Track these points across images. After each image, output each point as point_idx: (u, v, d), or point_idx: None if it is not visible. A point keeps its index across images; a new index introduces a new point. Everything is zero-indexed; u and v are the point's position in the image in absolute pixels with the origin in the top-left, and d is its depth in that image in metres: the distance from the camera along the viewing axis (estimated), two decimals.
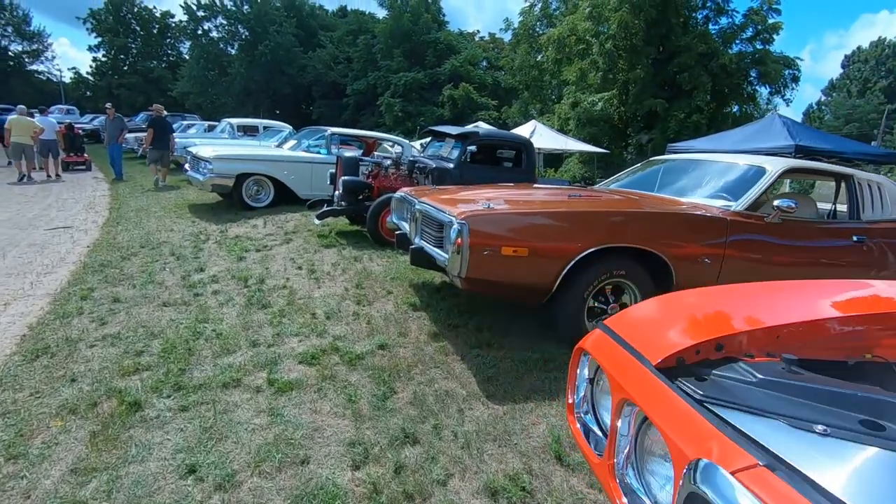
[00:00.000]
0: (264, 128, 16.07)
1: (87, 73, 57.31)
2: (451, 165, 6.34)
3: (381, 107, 33.82)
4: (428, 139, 8.16)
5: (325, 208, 6.21)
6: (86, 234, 6.90)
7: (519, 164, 6.79)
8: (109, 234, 6.79)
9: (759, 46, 19.45)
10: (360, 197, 6.32)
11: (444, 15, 39.80)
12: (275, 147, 9.70)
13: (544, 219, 2.99)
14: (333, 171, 6.85)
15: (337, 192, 6.31)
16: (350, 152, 6.43)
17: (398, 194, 4.44)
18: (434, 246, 3.31)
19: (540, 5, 28.79)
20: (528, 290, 3.01)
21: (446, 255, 2.96)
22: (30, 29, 51.50)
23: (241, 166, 8.17)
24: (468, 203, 3.24)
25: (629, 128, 20.91)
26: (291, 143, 9.66)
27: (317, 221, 6.23)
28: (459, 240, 2.77)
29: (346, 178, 5.98)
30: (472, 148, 6.14)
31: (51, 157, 12.44)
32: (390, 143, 12.12)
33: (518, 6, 35.74)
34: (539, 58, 31.04)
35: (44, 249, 6.06)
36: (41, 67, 54.16)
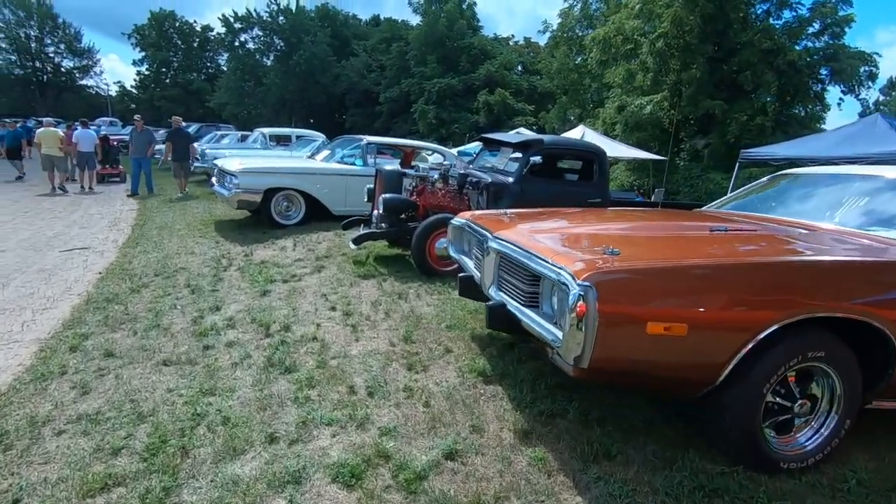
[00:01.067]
0: (297, 137, 15.50)
1: (131, 86, 59.39)
2: (511, 180, 5.34)
3: (415, 114, 33.15)
4: (477, 148, 7.17)
5: (361, 231, 5.30)
6: (101, 257, 6.22)
7: (589, 177, 5.73)
8: (125, 258, 6.07)
9: (826, 41, 17.72)
10: (403, 217, 5.38)
11: (478, 20, 39.01)
12: (306, 158, 8.92)
13: (712, 274, 1.92)
14: (371, 186, 5.95)
15: (376, 212, 5.40)
16: (389, 164, 5.51)
17: (458, 221, 3.47)
18: (524, 305, 2.31)
19: (580, 6, 27.58)
20: (677, 382, 1.97)
21: (556, 331, 1.94)
22: (80, 46, 53.74)
23: (270, 180, 7.39)
24: (576, 246, 2.23)
25: (681, 132, 19.42)
26: (324, 153, 8.86)
27: (353, 246, 5.32)
28: (582, 306, 1.76)
29: (386, 195, 5.07)
30: (536, 159, 5.13)
31: (87, 169, 12.13)
32: (429, 153, 11.22)
33: (553, 10, 34.82)
34: (578, 60, 29.83)
35: (52, 276, 5.36)
36: (90, 82, 56.48)
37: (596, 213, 3.49)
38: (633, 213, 3.64)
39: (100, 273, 5.52)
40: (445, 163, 5.70)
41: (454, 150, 15.74)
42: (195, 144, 12.01)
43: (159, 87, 57.00)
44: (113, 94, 59.44)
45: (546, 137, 5.44)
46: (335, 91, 43.40)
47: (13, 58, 49.49)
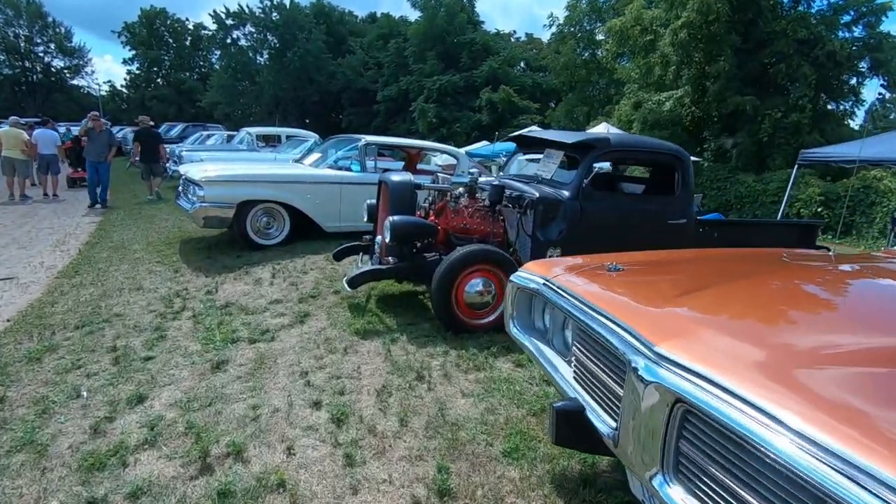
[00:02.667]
0: (287, 137, 14.01)
1: (122, 85, 57.90)
2: (567, 194, 3.86)
3: (414, 113, 31.65)
4: (486, 148, 5.68)
5: (360, 266, 3.82)
6: (24, 292, 4.73)
7: (669, 189, 4.26)
8: (52, 296, 4.58)
9: (859, 31, 16.33)
10: (418, 246, 3.90)
11: (478, 15, 37.53)
12: (293, 163, 7.42)
13: None
14: (373, 201, 4.48)
15: (379, 238, 3.91)
16: (396, 173, 3.99)
17: (529, 280, 2.00)
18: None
19: None
20: None
21: None
22: (71, 45, 52.36)
23: (244, 191, 5.89)
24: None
25: (704, 131, 18.00)
26: (314, 156, 7.36)
27: (348, 290, 3.82)
28: None
29: (395, 218, 3.57)
30: (602, 165, 3.65)
31: (50, 173, 10.62)
32: (437, 154, 9.77)
33: (550, 7, 33.36)
34: (586, 55, 28.41)
35: None
36: (82, 82, 55.08)
37: (800, 273, 1.99)
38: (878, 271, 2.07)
39: (8, 321, 4.02)
40: (473, 171, 4.21)
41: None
42: (168, 146, 11.09)
43: (150, 86, 55.61)
44: (104, 93, 58.01)
45: (611, 135, 3.98)
46: (331, 90, 41.89)
47: (2, 57, 48.02)
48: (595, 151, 3.91)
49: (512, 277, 2.19)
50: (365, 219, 4.52)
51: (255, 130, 14.00)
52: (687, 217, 4.14)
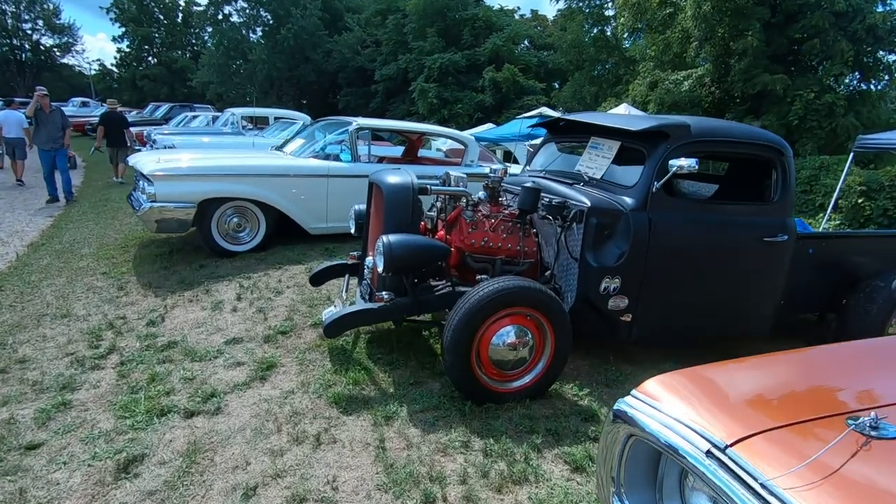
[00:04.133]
0: (276, 119, 12.80)
1: (112, 64, 56.21)
2: (631, 202, 2.78)
3: (414, 93, 30.18)
4: (494, 131, 4.56)
5: (343, 308, 2.74)
6: None
7: (764, 193, 3.16)
8: None
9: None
10: (423, 274, 2.82)
11: None
12: (272, 151, 6.28)
13: None
14: (361, 207, 3.38)
15: (370, 259, 2.81)
16: (395, 175, 2.83)
17: (690, 441, 0.94)
18: None
19: None
20: None
21: None
22: (60, 22, 50.59)
23: (207, 187, 4.77)
24: None
25: (726, 113, 16.75)
26: (297, 143, 6.22)
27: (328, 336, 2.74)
28: None
29: (392, 240, 2.48)
30: (682, 163, 2.56)
31: (16, 157, 9.51)
32: (441, 140, 8.64)
33: None
34: (595, 32, 26.94)
35: None
36: (72, 61, 53.49)
37: None
38: None
39: None
40: (496, 167, 3.09)
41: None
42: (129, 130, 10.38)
43: (142, 65, 53.96)
44: (92, 72, 56.40)
45: (692, 121, 2.86)
46: (327, 69, 40.25)
47: None
48: (670, 143, 2.80)
49: (626, 412, 1.14)
50: (352, 230, 3.42)
51: (240, 111, 12.79)
52: (788, 233, 3.05)
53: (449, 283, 2.82)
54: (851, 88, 15.53)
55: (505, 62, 28.86)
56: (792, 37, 14.71)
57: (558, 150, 4.00)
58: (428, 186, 2.88)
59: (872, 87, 15.89)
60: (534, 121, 11.33)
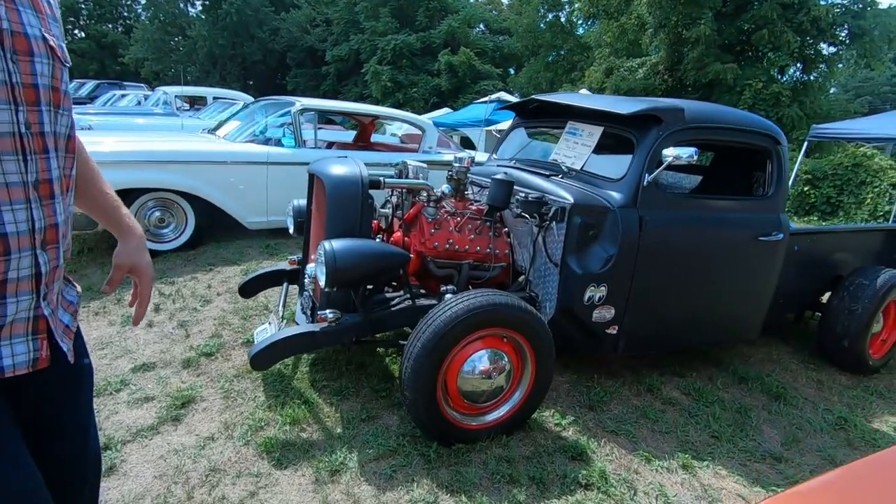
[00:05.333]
0: (215, 98, 11.76)
1: None
2: (619, 197, 2.39)
3: (367, 76, 29.11)
4: (452, 116, 4.13)
5: (273, 333, 2.23)
6: None
7: (758, 186, 2.86)
8: None
9: None
10: (376, 287, 2.33)
11: None
12: (203, 134, 5.53)
13: None
14: (300, 203, 2.84)
15: (311, 267, 2.28)
16: (340, 165, 2.31)
17: None
18: None
19: None
20: None
21: None
22: None
23: (120, 177, 4.04)
24: None
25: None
26: (232, 125, 5.50)
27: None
28: None
29: (336, 247, 1.97)
30: (677, 152, 2.19)
31: None
32: (396, 124, 8.13)
33: None
34: (550, 18, 26.80)
35: None
36: None
37: None
38: None
39: None
40: (461, 155, 2.62)
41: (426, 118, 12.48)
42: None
43: (67, 38, 49.54)
44: None
45: (685, 104, 2.49)
46: (274, 48, 38.25)
47: None
48: (663, 129, 2.41)
49: None
50: (291, 229, 2.86)
51: (173, 90, 11.64)
52: (783, 230, 2.76)
53: (406, 296, 2.34)
54: (794, 80, 16.03)
55: (461, 46, 28.25)
56: (742, 27, 14.96)
57: (528, 137, 3.58)
58: (381, 179, 2.37)
59: (812, 78, 16.48)
60: (499, 104, 10.87)
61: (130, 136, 4.92)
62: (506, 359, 2.11)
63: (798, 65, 15.90)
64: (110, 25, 49.23)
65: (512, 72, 34.08)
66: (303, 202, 2.83)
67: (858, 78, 55.76)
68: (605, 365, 2.97)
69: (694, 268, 2.61)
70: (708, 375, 3.05)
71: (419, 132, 6.09)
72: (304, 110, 5.09)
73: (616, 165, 2.56)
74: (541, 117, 3.30)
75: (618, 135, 2.62)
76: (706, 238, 2.59)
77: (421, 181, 2.52)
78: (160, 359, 2.77)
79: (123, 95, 15.24)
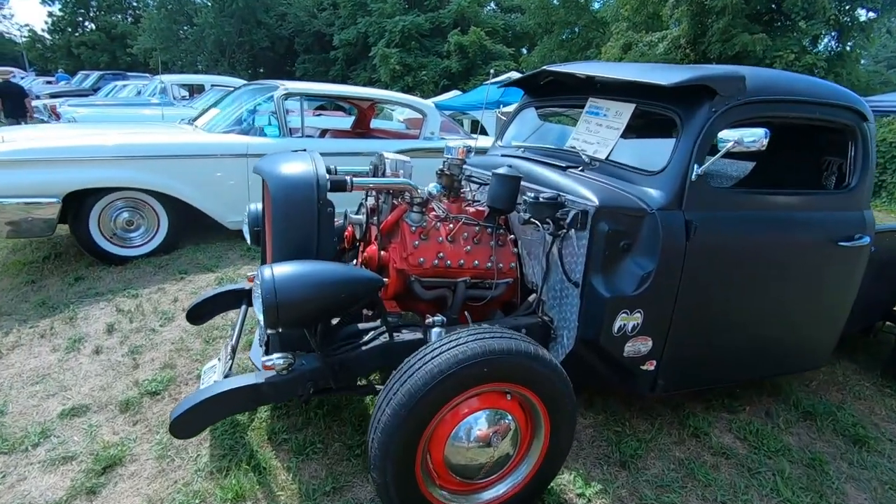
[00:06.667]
0: (213, 86, 11.28)
1: (43, 30, 51.67)
2: (660, 196, 1.82)
3: (375, 59, 28.35)
4: (457, 99, 3.59)
5: (199, 391, 1.72)
6: None
7: (829, 174, 2.25)
8: None
9: None
10: (346, 320, 1.80)
11: None
12: (180, 125, 5.02)
13: None
14: (257, 207, 2.31)
15: (254, 287, 1.75)
16: (291, 161, 1.78)
17: None
18: None
19: None
20: None
21: None
22: None
23: (75, 175, 3.57)
24: None
25: None
26: (211, 114, 4.99)
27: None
28: None
29: (280, 272, 1.46)
30: (738, 136, 1.62)
31: None
32: (397, 109, 7.58)
33: None
34: None
35: None
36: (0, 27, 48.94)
37: None
38: None
39: None
40: (455, 145, 2.06)
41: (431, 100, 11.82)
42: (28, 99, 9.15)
43: (77, 31, 49.80)
44: (20, 40, 52.01)
45: (746, 71, 1.90)
46: (282, 34, 37.66)
47: None
48: (717, 104, 1.82)
49: None
50: (248, 240, 2.35)
51: (170, 78, 11.20)
52: (869, 232, 2.15)
53: (383, 329, 1.81)
54: (829, 50, 14.92)
55: (471, 25, 27.30)
56: None
57: (540, 118, 2.99)
58: (347, 179, 1.83)
59: (848, 47, 15.32)
60: (506, 81, 9.94)
61: (86, 130, 4.44)
62: (510, 419, 1.58)
63: (833, 33, 14.79)
64: (119, 16, 49.13)
65: (525, 51, 33.00)
66: (259, 206, 2.31)
67: (891, 48, 52.88)
68: (637, 399, 2.41)
69: (755, 284, 2.03)
70: (764, 408, 2.48)
71: (420, 116, 5.51)
72: (288, 95, 4.54)
73: (654, 153, 1.98)
74: (555, 94, 2.70)
75: (655, 113, 2.03)
76: (771, 246, 2.00)
77: (401, 180, 1.97)
78: (97, 399, 2.29)
79: (125, 86, 14.88)
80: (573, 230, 1.86)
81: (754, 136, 1.66)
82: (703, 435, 2.22)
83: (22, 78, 27.08)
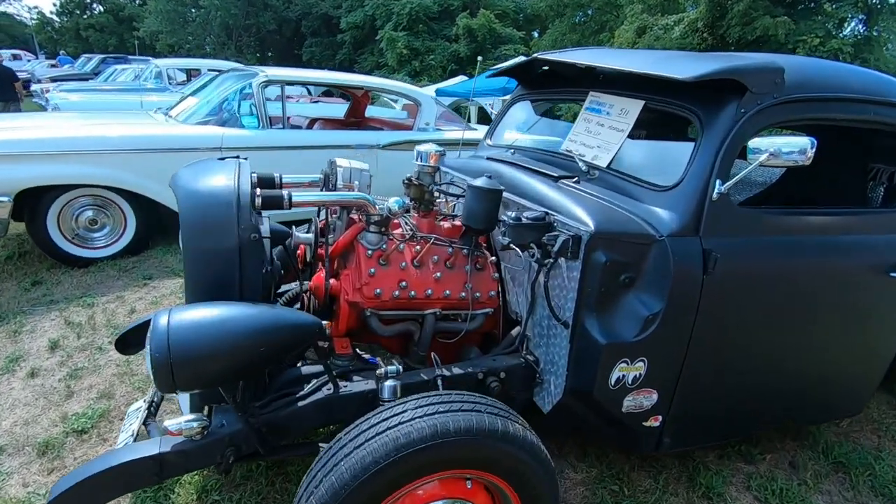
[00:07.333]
0: (209, 71, 10.92)
1: (51, 13, 51.64)
2: (672, 219, 1.45)
3: (382, 43, 27.75)
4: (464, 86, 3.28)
5: (81, 469, 1.42)
6: None
7: (881, 186, 1.86)
8: None
9: None
10: (284, 370, 1.47)
11: None
12: (153, 115, 4.68)
13: None
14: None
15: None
16: (208, 173, 1.42)
17: None
18: None
19: None
20: None
21: None
22: None
23: (25, 171, 3.26)
24: None
25: None
26: (190, 102, 4.65)
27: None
28: None
29: (176, 319, 1.13)
30: (775, 145, 1.25)
31: None
32: (393, 98, 7.23)
33: None
34: None
35: None
36: (10, 9, 49.00)
37: None
38: None
39: None
40: (426, 150, 1.70)
41: (431, 89, 11.34)
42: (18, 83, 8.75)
43: (86, 13, 49.71)
44: (29, 23, 52.09)
45: (784, 60, 1.53)
46: (289, 17, 37.09)
47: None
48: (748, 103, 1.44)
49: None
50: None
51: (165, 62, 10.88)
52: None
53: (326, 378, 1.48)
54: (856, 34, 14.17)
55: (480, 8, 26.57)
56: None
57: (536, 114, 2.61)
58: (283, 195, 1.48)
59: (876, 32, 14.54)
60: (494, 70, 8.89)
61: (42, 120, 4.12)
62: None
63: (861, 16, 14.02)
64: None
65: (536, 35, 32.17)
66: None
67: None
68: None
69: (786, 325, 1.66)
70: (788, 457, 2.13)
71: (418, 106, 5.12)
72: (268, 83, 4.18)
73: (666, 163, 1.61)
74: (553, 86, 2.32)
75: (669, 113, 1.65)
76: (808, 279, 1.63)
77: (354, 194, 1.63)
78: (15, 438, 2.00)
79: (124, 70, 14.58)
80: (563, 259, 1.51)
81: (796, 147, 1.29)
82: (717, 495, 1.88)
83: (28, 62, 26.92)
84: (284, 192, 1.50)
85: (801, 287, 1.63)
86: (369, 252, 1.63)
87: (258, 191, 1.47)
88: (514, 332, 1.80)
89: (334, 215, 1.79)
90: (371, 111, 6.79)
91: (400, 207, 1.66)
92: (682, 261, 1.45)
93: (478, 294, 1.77)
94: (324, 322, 1.53)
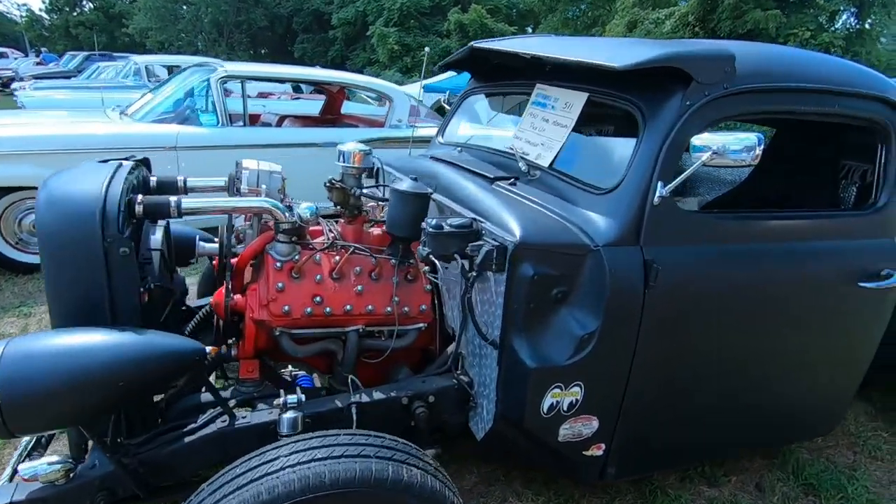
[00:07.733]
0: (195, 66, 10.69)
1: (40, 9, 51.12)
2: (609, 226, 1.28)
3: (373, 39, 27.51)
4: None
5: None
6: None
7: (852, 185, 1.70)
8: None
9: None
10: (179, 398, 1.31)
11: None
12: (108, 113, 4.48)
13: None
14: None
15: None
16: (74, 180, 1.22)
17: None
18: None
19: None
20: None
21: None
22: None
23: None
24: None
25: None
26: (146, 100, 4.45)
27: None
28: None
29: (13, 349, 0.96)
30: (720, 143, 1.08)
31: None
32: (371, 94, 6.98)
33: None
34: None
35: None
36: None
37: None
38: None
39: None
40: (350, 149, 1.53)
41: (417, 87, 11.12)
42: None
43: (75, 10, 49.24)
44: (23, 19, 51.66)
45: (735, 47, 1.36)
46: (280, 13, 36.79)
47: None
48: (693, 94, 1.27)
49: None
50: None
51: (143, 59, 10.66)
52: None
53: (224, 409, 1.31)
54: (848, 27, 14.01)
55: (472, 3, 26.32)
56: None
57: (491, 108, 2.43)
58: (170, 202, 1.30)
59: (868, 25, 14.39)
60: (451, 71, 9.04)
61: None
62: None
63: (852, 9, 13.87)
64: None
65: (529, 30, 31.98)
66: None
67: None
68: None
69: (741, 342, 1.50)
70: (755, 478, 1.98)
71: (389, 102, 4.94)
72: (227, 78, 4.00)
73: (608, 163, 1.44)
74: (503, 78, 2.14)
75: (614, 106, 1.48)
76: (767, 291, 1.46)
77: (259, 200, 1.45)
78: None
79: (106, 68, 14.33)
80: (489, 272, 1.34)
81: (743, 145, 1.12)
82: None
83: (15, 59, 26.54)
84: (172, 199, 1.32)
85: (759, 300, 1.46)
86: (278, 264, 1.46)
87: (139, 197, 1.29)
88: (449, 349, 1.63)
89: (247, 222, 1.62)
90: (349, 107, 6.59)
91: (312, 214, 1.48)
92: (620, 273, 1.28)
93: (406, 308, 1.59)
94: (230, 341, 1.37)
